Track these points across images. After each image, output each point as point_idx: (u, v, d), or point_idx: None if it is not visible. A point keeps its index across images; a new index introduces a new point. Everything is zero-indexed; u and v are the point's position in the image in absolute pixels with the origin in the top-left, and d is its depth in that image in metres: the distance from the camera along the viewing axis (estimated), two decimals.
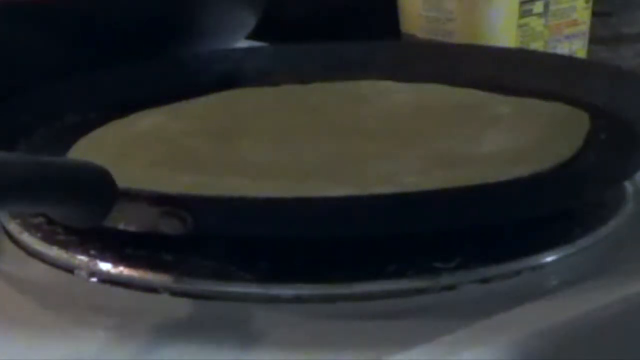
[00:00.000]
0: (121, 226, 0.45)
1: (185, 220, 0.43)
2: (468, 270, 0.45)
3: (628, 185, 0.53)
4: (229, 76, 0.68)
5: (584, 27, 0.77)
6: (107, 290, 0.46)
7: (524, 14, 0.73)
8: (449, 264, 0.45)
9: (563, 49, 0.76)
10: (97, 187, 0.42)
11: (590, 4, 0.77)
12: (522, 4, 0.73)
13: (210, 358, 0.41)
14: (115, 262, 0.46)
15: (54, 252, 0.48)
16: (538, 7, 0.74)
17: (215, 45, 0.72)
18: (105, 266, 0.46)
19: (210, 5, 0.70)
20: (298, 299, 0.44)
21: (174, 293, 0.45)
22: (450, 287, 0.44)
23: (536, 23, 0.74)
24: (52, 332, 0.43)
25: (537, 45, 0.74)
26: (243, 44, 0.77)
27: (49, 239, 0.49)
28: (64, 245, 0.48)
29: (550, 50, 0.75)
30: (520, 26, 0.73)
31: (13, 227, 0.50)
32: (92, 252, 0.47)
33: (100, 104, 0.63)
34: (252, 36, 0.77)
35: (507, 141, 0.55)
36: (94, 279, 0.46)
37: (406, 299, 0.44)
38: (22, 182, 0.39)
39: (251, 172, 0.52)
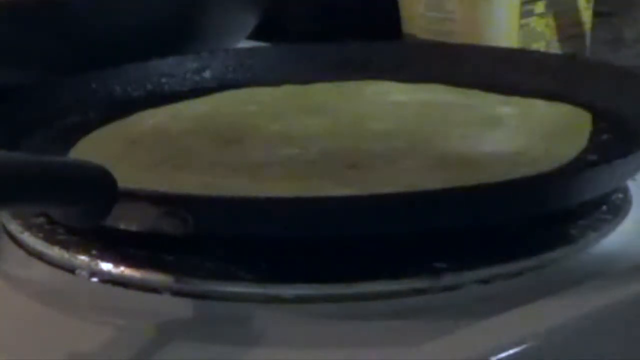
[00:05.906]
0: (122, 226, 0.45)
1: (186, 220, 0.43)
2: (469, 271, 0.45)
3: (630, 185, 0.53)
4: (229, 76, 0.69)
5: (585, 27, 0.77)
6: (108, 290, 0.46)
7: (525, 14, 0.73)
8: (449, 264, 0.45)
9: (564, 49, 0.76)
10: (98, 187, 0.42)
11: (592, 4, 0.77)
12: (523, 4, 0.73)
13: (211, 358, 0.41)
14: (117, 262, 0.46)
15: (55, 252, 0.48)
16: (539, 8, 0.74)
17: (216, 46, 0.72)
18: (106, 266, 0.46)
19: (211, 6, 0.70)
20: (298, 299, 0.44)
21: (175, 293, 0.45)
22: (451, 287, 0.44)
23: (537, 23, 0.74)
24: (53, 332, 0.43)
25: (538, 46, 0.74)
26: (243, 44, 0.77)
27: (50, 239, 0.49)
28: (65, 245, 0.48)
29: (552, 51, 0.75)
30: (521, 26, 0.73)
31: (14, 227, 0.50)
32: (93, 252, 0.47)
33: (100, 104, 0.63)
34: (252, 36, 0.77)
35: (507, 141, 0.55)
36: (95, 279, 0.46)
37: (406, 299, 0.44)
38: (23, 182, 0.39)
39: (252, 172, 0.52)
